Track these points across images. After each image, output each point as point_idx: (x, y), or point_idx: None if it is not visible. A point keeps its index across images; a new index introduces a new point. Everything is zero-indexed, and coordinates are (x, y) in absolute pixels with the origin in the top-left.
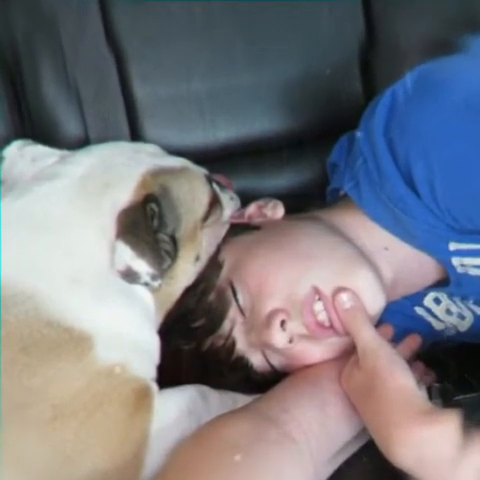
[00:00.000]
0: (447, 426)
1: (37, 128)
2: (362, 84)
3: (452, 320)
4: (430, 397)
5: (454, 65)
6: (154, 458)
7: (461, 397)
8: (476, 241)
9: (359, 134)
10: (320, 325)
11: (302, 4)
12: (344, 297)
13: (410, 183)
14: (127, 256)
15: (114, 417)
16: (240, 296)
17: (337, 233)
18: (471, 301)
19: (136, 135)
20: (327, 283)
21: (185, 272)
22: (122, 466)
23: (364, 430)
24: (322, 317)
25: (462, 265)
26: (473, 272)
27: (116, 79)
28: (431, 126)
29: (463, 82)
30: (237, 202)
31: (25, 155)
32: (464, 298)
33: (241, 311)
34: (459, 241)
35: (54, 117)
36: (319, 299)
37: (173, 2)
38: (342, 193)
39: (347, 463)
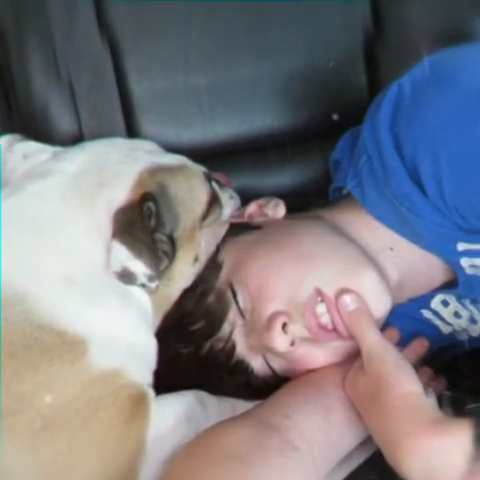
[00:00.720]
0: (458, 436)
1: (28, 124)
2: (367, 77)
3: (461, 323)
4: (440, 405)
5: (466, 55)
6: (150, 467)
7: (473, 406)
8: None
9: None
10: (323, 328)
11: None
12: (347, 299)
13: (417, 181)
14: (123, 256)
15: (109, 424)
16: (240, 298)
17: (340, 233)
18: None
19: (132, 131)
20: (330, 284)
21: (183, 273)
22: (116, 477)
23: (370, 440)
24: (325, 319)
25: (472, 266)
26: None
27: (111, 72)
28: (440, 120)
29: (476, 73)
30: (237, 201)
31: (16, 151)
32: (475, 301)
33: (241, 313)
34: (468, 241)
35: (45, 112)
36: (322, 301)
37: None
38: (345, 192)
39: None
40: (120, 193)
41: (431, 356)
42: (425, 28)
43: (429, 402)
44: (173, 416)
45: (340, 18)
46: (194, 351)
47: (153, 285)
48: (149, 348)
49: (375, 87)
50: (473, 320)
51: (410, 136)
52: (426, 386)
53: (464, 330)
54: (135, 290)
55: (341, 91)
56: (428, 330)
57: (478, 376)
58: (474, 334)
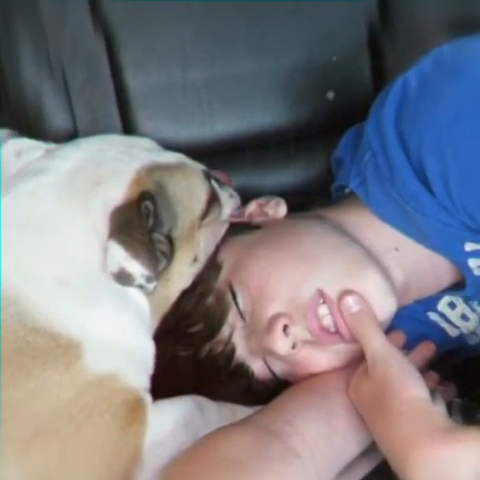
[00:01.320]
0: (469, 445)
1: (20, 120)
2: (372, 72)
3: (469, 326)
4: (450, 413)
5: (476, 46)
6: (148, 474)
7: None
8: None
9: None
10: (325, 330)
11: None
12: (350, 300)
13: (423, 179)
14: (120, 257)
15: (104, 431)
16: (240, 299)
17: (343, 233)
18: None
19: (128, 128)
20: (332, 285)
21: (182, 274)
22: None
23: (376, 450)
24: (327, 322)
25: None
26: None
27: (106, 66)
28: (446, 116)
29: None
30: (237, 200)
31: (8, 148)
32: None
33: (241, 315)
34: (476, 241)
35: (38, 108)
36: (324, 302)
37: None
38: (348, 190)
39: None
40: (117, 192)
41: (439, 360)
42: (433, 20)
43: (436, 408)
44: (171, 422)
45: (343, 11)
46: (193, 354)
47: (151, 286)
48: (146, 351)
49: (380, 82)
50: None
51: (415, 133)
52: (434, 392)
53: (473, 333)
54: (132, 291)
55: (345, 86)
56: (435, 333)
57: None
58: None
